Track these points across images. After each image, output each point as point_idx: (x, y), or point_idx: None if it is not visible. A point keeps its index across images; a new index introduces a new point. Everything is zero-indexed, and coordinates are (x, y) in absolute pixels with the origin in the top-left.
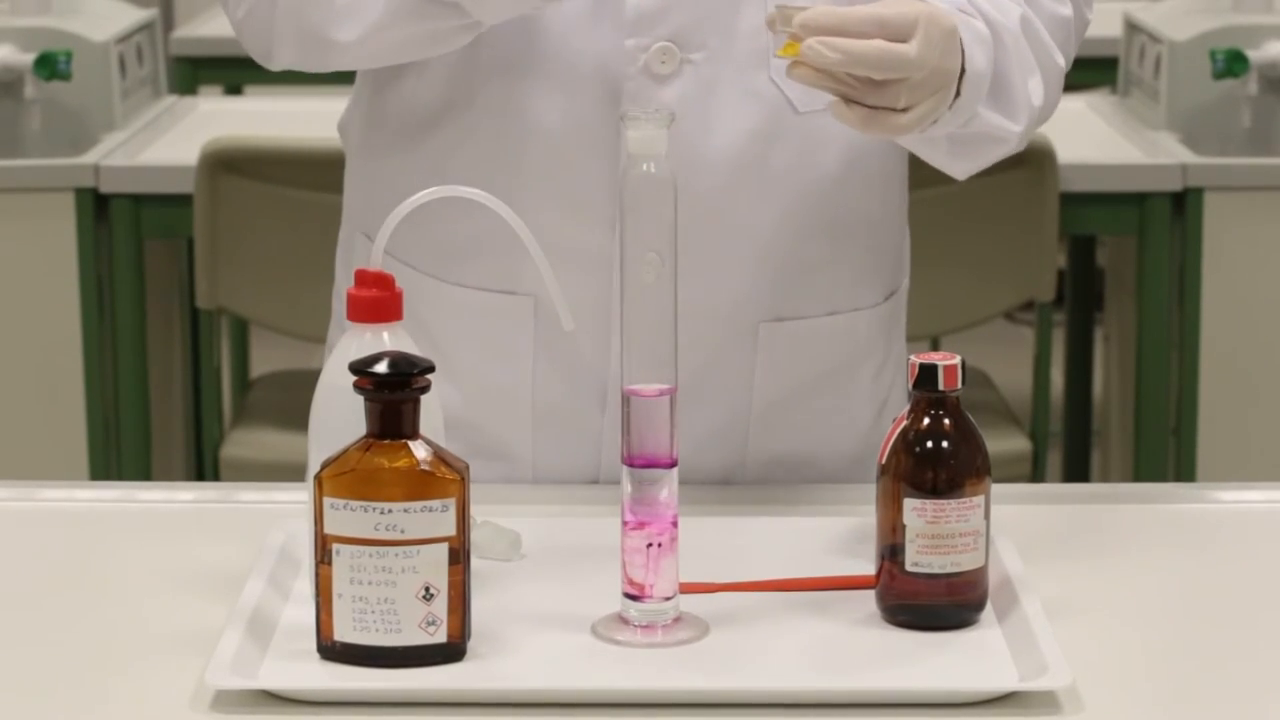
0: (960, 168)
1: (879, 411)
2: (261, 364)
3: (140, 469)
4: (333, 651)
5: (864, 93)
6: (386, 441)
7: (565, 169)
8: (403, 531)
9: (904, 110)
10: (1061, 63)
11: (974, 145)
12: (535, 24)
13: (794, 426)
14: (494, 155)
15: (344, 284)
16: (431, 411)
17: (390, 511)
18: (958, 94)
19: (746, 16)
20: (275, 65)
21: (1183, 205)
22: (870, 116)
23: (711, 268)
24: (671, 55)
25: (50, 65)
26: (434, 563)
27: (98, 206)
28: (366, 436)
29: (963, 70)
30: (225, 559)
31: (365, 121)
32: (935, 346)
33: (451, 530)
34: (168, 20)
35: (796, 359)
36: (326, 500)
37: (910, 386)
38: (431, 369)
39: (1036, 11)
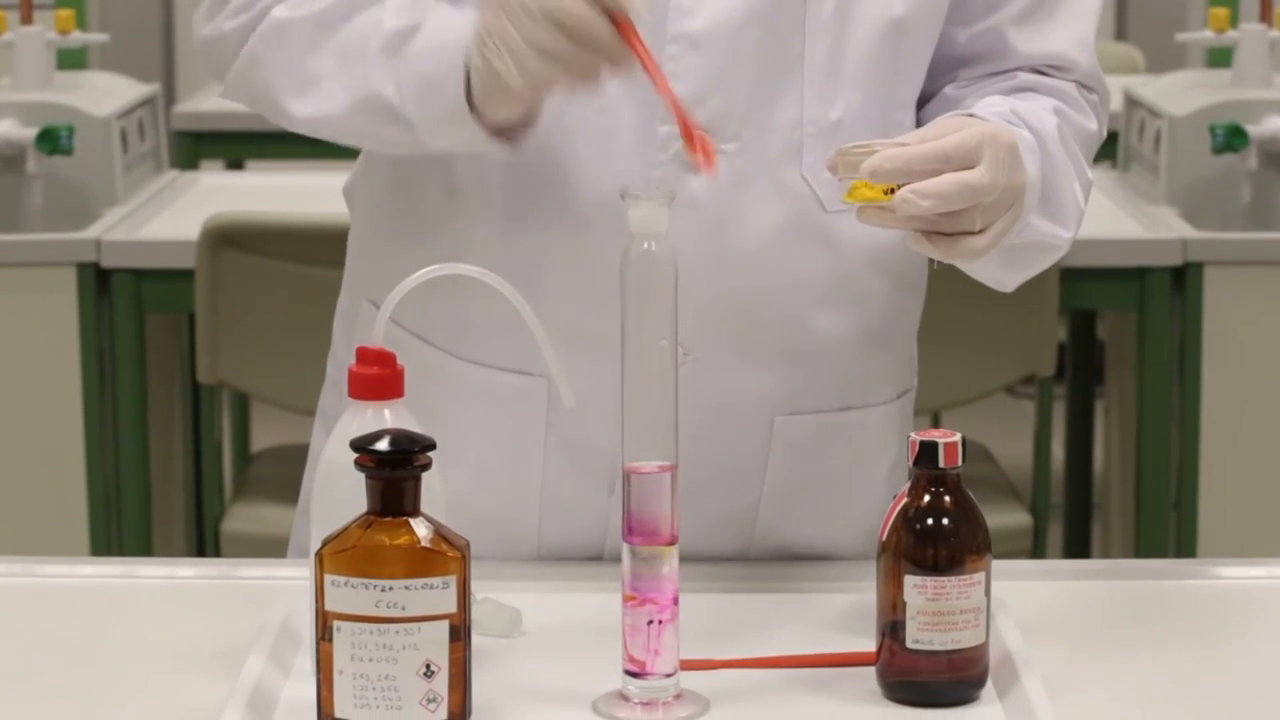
0: (1011, 279)
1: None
2: (262, 439)
3: (141, 543)
4: None
5: (939, 223)
6: (387, 519)
7: (588, 254)
8: (404, 609)
9: (980, 232)
10: (1090, 175)
11: (1025, 254)
12: (568, 107)
13: (803, 517)
14: (516, 237)
15: (343, 349)
16: (433, 488)
17: (391, 589)
18: None
19: (782, 111)
20: (224, 95)
21: (1183, 280)
22: (949, 244)
23: (733, 360)
24: None
25: (52, 140)
26: (435, 640)
27: (99, 281)
28: (367, 513)
29: None
30: (226, 635)
31: (386, 188)
32: (936, 422)
33: (452, 607)
34: (169, 95)
35: (810, 452)
36: (327, 577)
37: (910, 464)
38: (432, 446)
39: (1065, 122)
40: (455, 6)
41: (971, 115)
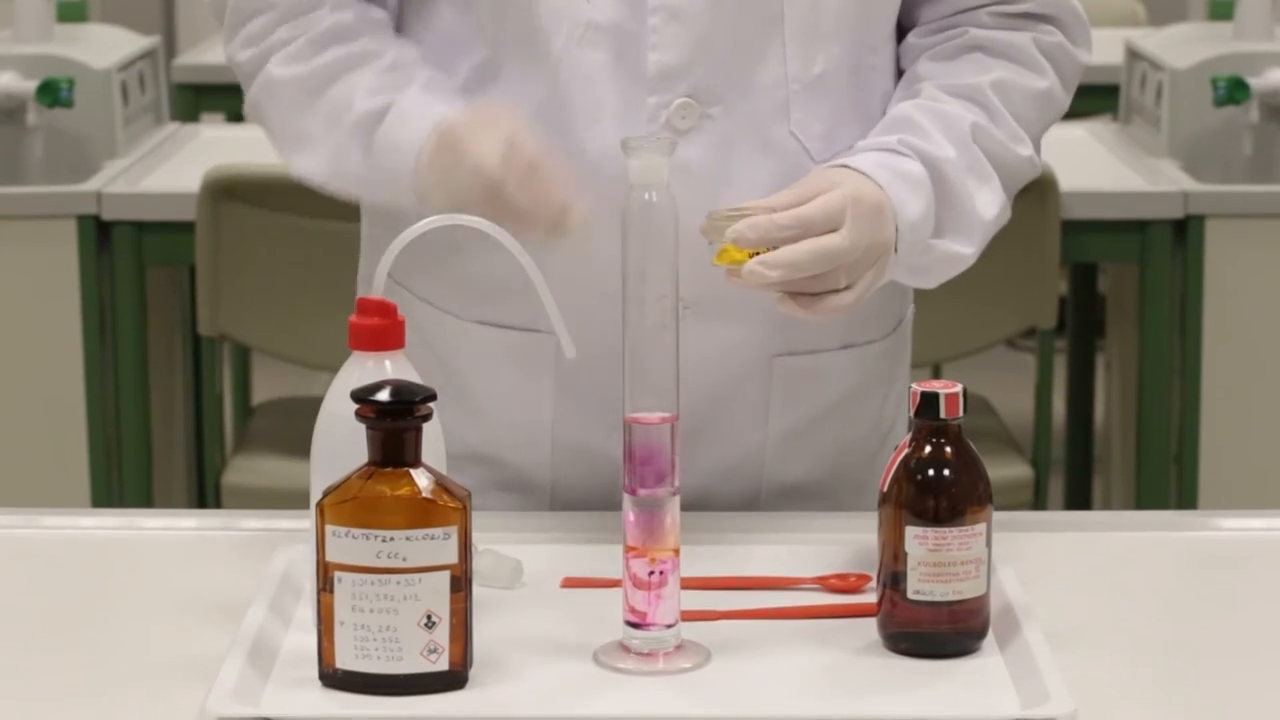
0: (925, 284)
1: (884, 439)
2: (263, 391)
3: (142, 495)
4: (334, 679)
5: (802, 284)
6: (388, 469)
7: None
8: (404, 559)
9: (846, 289)
10: (1025, 152)
11: (930, 269)
12: (556, 77)
13: (807, 456)
14: None
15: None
16: (433, 439)
17: (392, 539)
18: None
19: (766, 71)
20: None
21: (1184, 233)
22: (814, 303)
23: (730, 311)
24: (691, 110)
25: (53, 92)
26: (436, 590)
27: (100, 234)
28: (368, 464)
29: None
30: (227, 586)
31: None
32: (937, 374)
33: (453, 558)
34: (170, 47)
35: (810, 390)
36: (328, 528)
37: (912, 415)
38: (433, 397)
39: (1006, 94)
40: (425, 88)
41: (846, 167)
